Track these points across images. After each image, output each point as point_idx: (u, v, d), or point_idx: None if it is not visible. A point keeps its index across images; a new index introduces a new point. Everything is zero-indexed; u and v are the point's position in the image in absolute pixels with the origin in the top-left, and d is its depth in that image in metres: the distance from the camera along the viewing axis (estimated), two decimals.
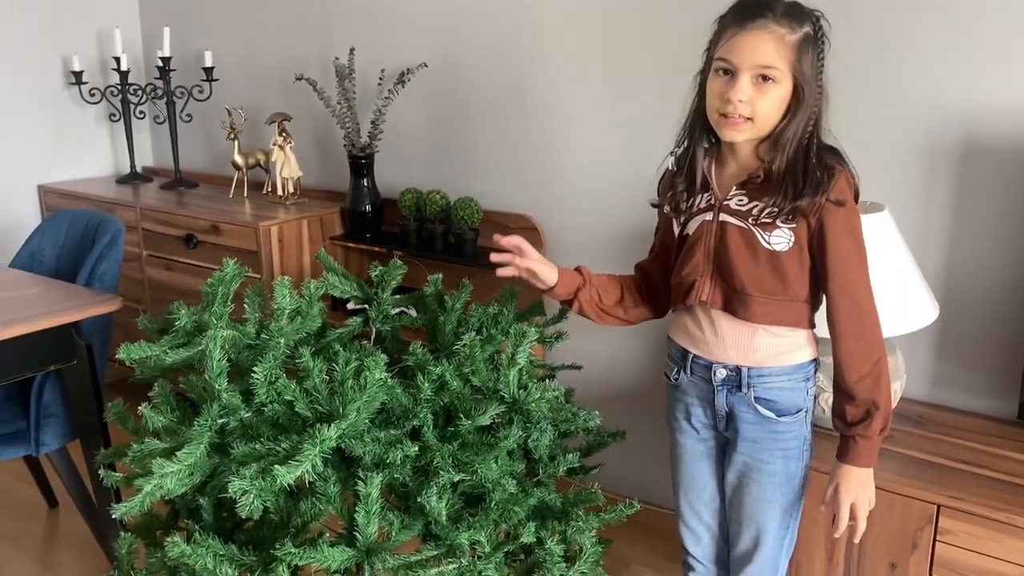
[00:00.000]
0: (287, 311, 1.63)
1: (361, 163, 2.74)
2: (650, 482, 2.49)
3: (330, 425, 1.39)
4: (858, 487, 1.41)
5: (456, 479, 1.46)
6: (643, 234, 2.37)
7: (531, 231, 2.53)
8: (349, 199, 2.78)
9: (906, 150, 1.94)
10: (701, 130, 1.43)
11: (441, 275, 1.90)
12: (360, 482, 1.42)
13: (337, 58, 2.70)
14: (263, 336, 1.62)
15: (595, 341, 2.50)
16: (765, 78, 1.31)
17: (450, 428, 1.55)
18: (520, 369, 1.60)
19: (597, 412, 1.67)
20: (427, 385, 1.52)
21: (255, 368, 1.49)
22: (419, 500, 1.46)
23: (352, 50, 2.70)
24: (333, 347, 1.62)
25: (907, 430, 1.86)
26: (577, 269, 1.60)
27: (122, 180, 3.41)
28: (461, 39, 2.61)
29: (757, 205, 1.37)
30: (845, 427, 1.41)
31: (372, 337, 1.86)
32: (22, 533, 2.48)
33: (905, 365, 1.89)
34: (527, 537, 1.53)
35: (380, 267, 1.87)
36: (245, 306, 1.70)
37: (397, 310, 1.90)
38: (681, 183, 1.47)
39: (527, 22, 2.46)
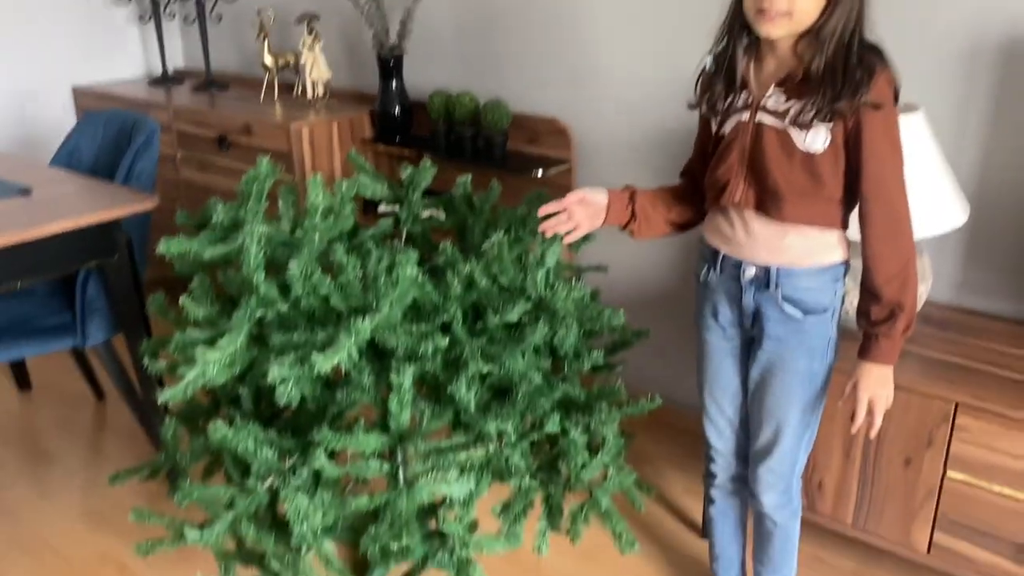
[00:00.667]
0: (320, 208, 1.66)
1: (390, 65, 2.72)
2: (673, 382, 2.54)
3: (365, 317, 1.44)
4: (877, 384, 1.45)
5: (484, 370, 1.51)
6: (673, 136, 2.36)
7: (560, 134, 2.52)
8: (378, 101, 2.78)
9: (945, 51, 1.89)
10: (740, 27, 1.41)
11: (470, 175, 1.92)
12: (393, 374, 1.48)
13: None
14: (297, 234, 1.66)
15: (621, 245, 2.52)
16: None
17: (479, 324, 1.60)
18: (548, 269, 1.64)
19: (622, 310, 1.70)
20: (456, 282, 1.55)
21: (291, 262, 1.53)
22: (449, 390, 1.52)
23: None
24: (366, 245, 1.66)
25: (930, 332, 1.88)
26: (629, 194, 1.60)
27: (154, 82, 3.42)
28: None
29: (795, 104, 1.36)
30: (869, 326, 1.43)
31: (403, 238, 1.90)
32: (72, 422, 2.62)
33: (932, 268, 1.90)
34: (551, 427, 1.60)
35: (411, 167, 1.89)
36: (279, 204, 1.74)
37: (426, 213, 1.93)
38: (719, 82, 1.46)
39: None
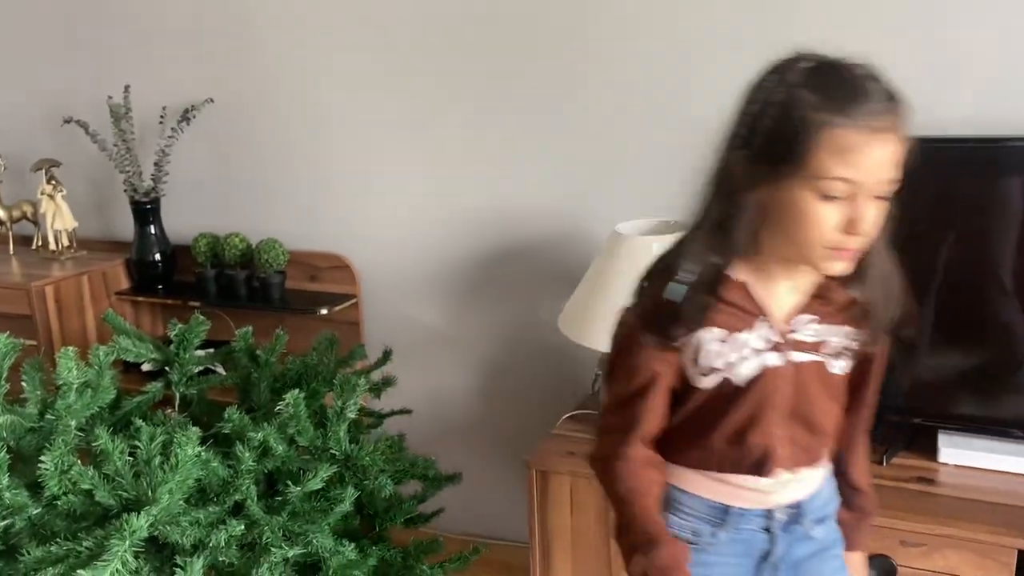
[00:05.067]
0: (75, 385, 1.44)
1: (146, 209, 2.51)
2: (490, 515, 2.44)
3: (139, 513, 1.23)
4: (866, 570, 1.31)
5: (289, 554, 1.34)
6: (458, 268, 2.34)
7: (344, 269, 2.42)
8: (135, 249, 2.54)
9: None
10: (724, 248, 1.03)
11: (251, 327, 1.77)
12: (179, 571, 1.27)
13: (111, 97, 2.47)
14: (48, 417, 1.42)
15: (418, 378, 2.43)
16: (883, 195, 0.97)
17: (277, 497, 1.43)
18: (350, 423, 1.51)
19: (434, 458, 1.61)
20: (248, 454, 1.38)
21: (42, 457, 1.30)
22: None
23: (127, 88, 2.48)
24: (134, 422, 1.45)
25: None
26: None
27: None
28: (249, 71, 2.46)
29: (835, 333, 1.10)
30: (862, 519, 1.26)
31: (176, 403, 1.70)
32: None
33: None
34: None
35: (179, 324, 1.71)
36: (23, 384, 1.49)
37: (201, 368, 1.75)
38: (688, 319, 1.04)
39: (319, 49, 2.36)
